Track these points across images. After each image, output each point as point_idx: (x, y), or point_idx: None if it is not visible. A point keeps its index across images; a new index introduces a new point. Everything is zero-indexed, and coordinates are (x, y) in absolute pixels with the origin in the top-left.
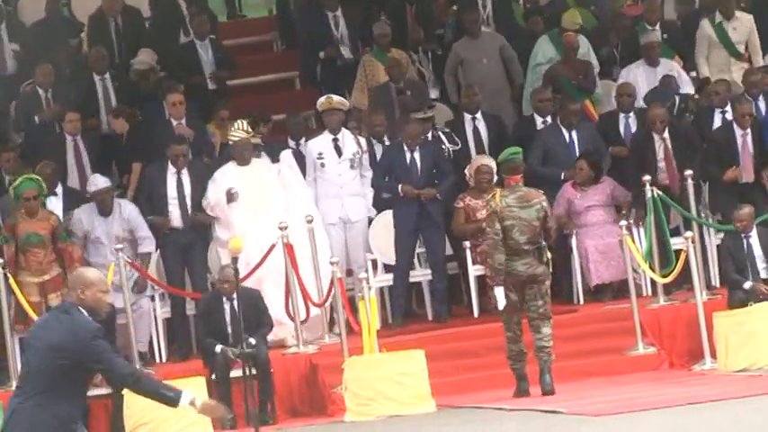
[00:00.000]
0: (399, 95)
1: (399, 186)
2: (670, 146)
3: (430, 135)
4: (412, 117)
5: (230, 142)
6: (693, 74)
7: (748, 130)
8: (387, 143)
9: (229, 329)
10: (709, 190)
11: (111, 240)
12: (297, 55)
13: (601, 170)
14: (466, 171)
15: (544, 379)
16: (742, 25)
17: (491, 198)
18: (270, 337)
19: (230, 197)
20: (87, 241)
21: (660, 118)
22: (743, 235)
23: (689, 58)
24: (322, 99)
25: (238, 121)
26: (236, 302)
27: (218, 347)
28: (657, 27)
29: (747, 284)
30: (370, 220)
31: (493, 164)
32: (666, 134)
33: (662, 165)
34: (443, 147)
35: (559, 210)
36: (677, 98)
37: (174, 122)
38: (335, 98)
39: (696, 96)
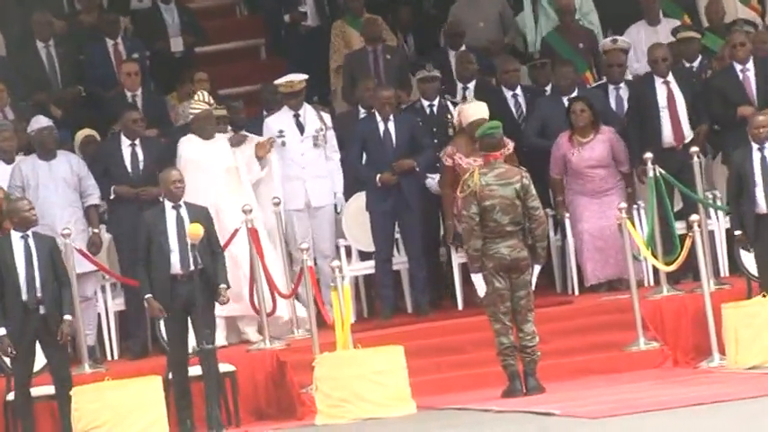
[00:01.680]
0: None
1: (377, 176)
2: (676, 91)
3: (437, 102)
4: (416, 77)
5: (190, 115)
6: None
7: (749, 64)
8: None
9: (175, 245)
10: (718, 140)
11: (58, 184)
12: (261, 20)
13: (599, 117)
14: (454, 116)
15: (528, 382)
16: None
17: (468, 177)
18: (223, 339)
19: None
20: (29, 189)
21: (662, 56)
22: (757, 147)
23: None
24: (281, 82)
25: (199, 92)
26: (183, 210)
27: (147, 296)
28: None
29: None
30: (338, 208)
31: (487, 113)
32: (671, 77)
33: (664, 114)
34: (448, 116)
35: (555, 171)
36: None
37: (129, 94)
38: (296, 79)
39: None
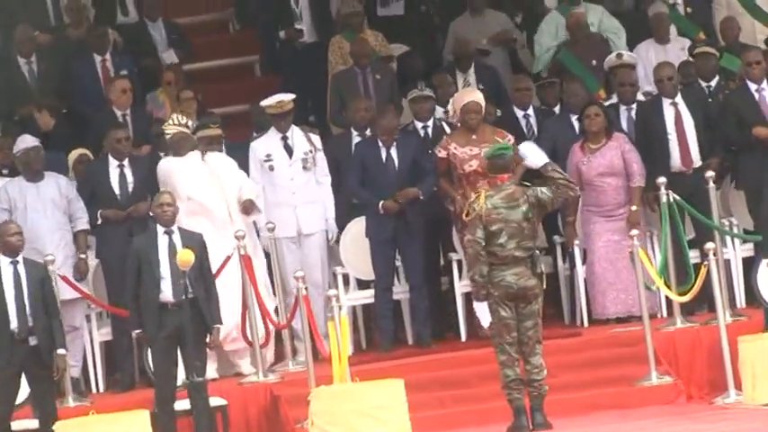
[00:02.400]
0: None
1: (380, 203)
2: (685, 113)
3: (431, 122)
4: (409, 97)
5: (166, 136)
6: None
7: (764, 84)
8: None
9: (166, 272)
10: (733, 162)
11: (47, 207)
12: (255, 36)
13: (613, 123)
14: (449, 108)
15: (535, 418)
16: None
17: (474, 200)
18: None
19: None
20: (17, 212)
21: (668, 75)
22: None
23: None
24: (271, 102)
25: (174, 116)
26: (176, 236)
27: (137, 331)
28: (680, 0)
29: None
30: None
31: (482, 99)
32: (680, 99)
33: (672, 137)
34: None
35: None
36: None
37: (119, 113)
38: (286, 99)
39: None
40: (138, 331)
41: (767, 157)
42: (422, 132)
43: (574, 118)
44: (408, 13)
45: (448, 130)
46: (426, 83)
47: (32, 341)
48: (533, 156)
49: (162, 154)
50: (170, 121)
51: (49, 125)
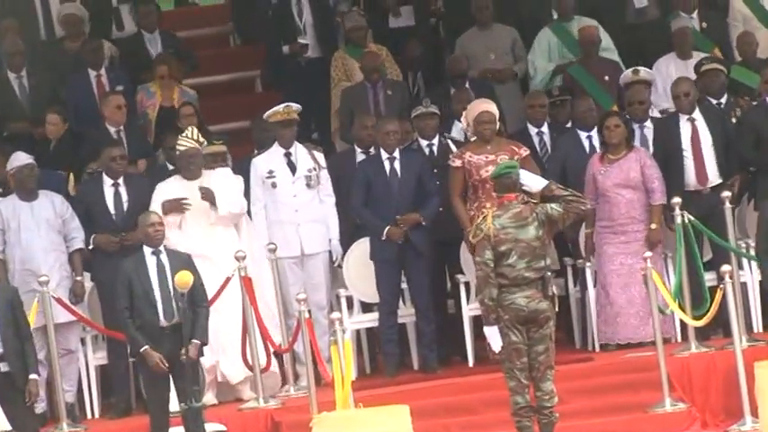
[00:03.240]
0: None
1: (386, 229)
2: (702, 130)
3: (436, 140)
4: (413, 114)
5: (177, 152)
6: None
7: None
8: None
9: (158, 295)
10: (751, 182)
11: (41, 226)
12: (256, 51)
13: (633, 135)
14: (462, 121)
15: None
16: None
17: (482, 221)
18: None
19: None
20: (10, 232)
21: (685, 90)
22: None
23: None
24: (279, 108)
25: (189, 128)
26: (164, 257)
27: (144, 347)
28: (695, 15)
29: None
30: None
31: (495, 110)
32: (698, 115)
33: (688, 155)
34: (450, 156)
35: (587, 195)
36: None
37: (112, 129)
38: (294, 107)
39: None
40: (145, 347)
41: None
42: (426, 150)
43: (584, 135)
44: (418, 26)
45: (454, 148)
46: (435, 98)
47: (4, 368)
48: (531, 181)
49: (169, 166)
50: (185, 134)
51: (60, 131)
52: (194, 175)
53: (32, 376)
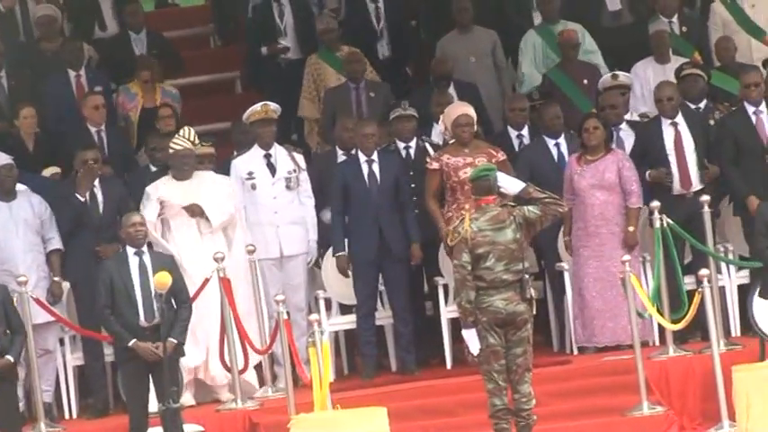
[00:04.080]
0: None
1: (339, 254)
2: (685, 134)
3: (414, 143)
4: (391, 117)
5: (170, 150)
6: None
7: (763, 106)
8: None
9: (139, 295)
10: (729, 186)
11: (19, 227)
12: (236, 52)
13: (612, 136)
14: (440, 124)
15: None
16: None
17: (459, 224)
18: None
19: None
20: None
21: (668, 95)
22: None
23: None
24: (256, 107)
25: (186, 128)
26: (146, 257)
27: (132, 341)
28: (675, 19)
29: None
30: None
31: (473, 113)
32: (680, 119)
33: (672, 159)
34: (427, 160)
35: (565, 195)
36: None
37: (93, 129)
38: (272, 105)
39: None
40: (133, 340)
41: (765, 182)
42: (403, 153)
43: (552, 143)
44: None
45: (431, 151)
46: (417, 101)
47: None
48: (508, 184)
49: (151, 167)
50: (181, 134)
51: (34, 126)
52: (186, 176)
53: (7, 356)
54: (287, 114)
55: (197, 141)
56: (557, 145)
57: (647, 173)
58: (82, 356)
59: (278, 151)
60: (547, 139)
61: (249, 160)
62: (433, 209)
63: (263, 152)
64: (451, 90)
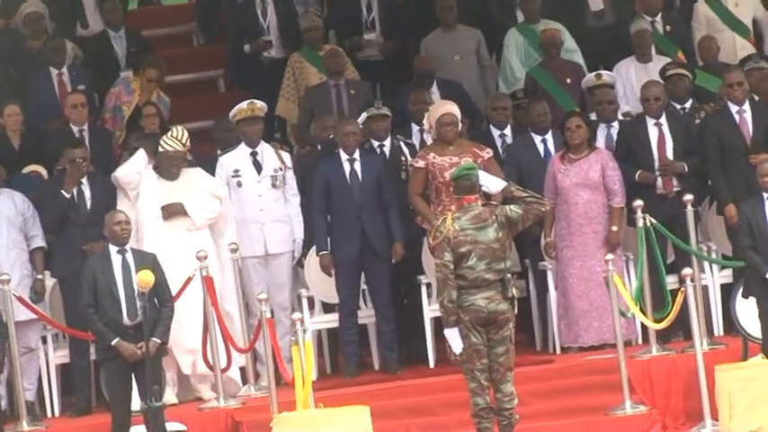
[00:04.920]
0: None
1: (320, 253)
2: (667, 135)
3: (388, 142)
4: (366, 116)
5: (160, 149)
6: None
7: (746, 106)
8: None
9: (122, 293)
10: (713, 185)
11: (1, 224)
12: (220, 50)
13: (596, 134)
14: (424, 123)
15: None
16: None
17: (441, 223)
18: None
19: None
20: None
21: (654, 95)
22: (766, 196)
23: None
24: (243, 105)
25: (178, 129)
26: (129, 255)
27: (115, 340)
28: (658, 18)
29: None
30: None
31: (458, 111)
32: (664, 119)
33: (655, 158)
34: (402, 159)
35: (547, 194)
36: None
37: (75, 129)
38: (258, 103)
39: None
40: (116, 339)
41: (748, 182)
42: (378, 151)
43: (538, 139)
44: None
45: (406, 150)
46: (391, 100)
47: None
48: (489, 183)
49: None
50: (173, 134)
51: (18, 123)
52: (174, 177)
53: None
54: (270, 113)
55: (188, 144)
56: (544, 141)
57: (637, 173)
58: (64, 354)
59: (264, 149)
60: (534, 135)
61: (235, 158)
62: (420, 204)
63: (250, 150)
64: (434, 88)
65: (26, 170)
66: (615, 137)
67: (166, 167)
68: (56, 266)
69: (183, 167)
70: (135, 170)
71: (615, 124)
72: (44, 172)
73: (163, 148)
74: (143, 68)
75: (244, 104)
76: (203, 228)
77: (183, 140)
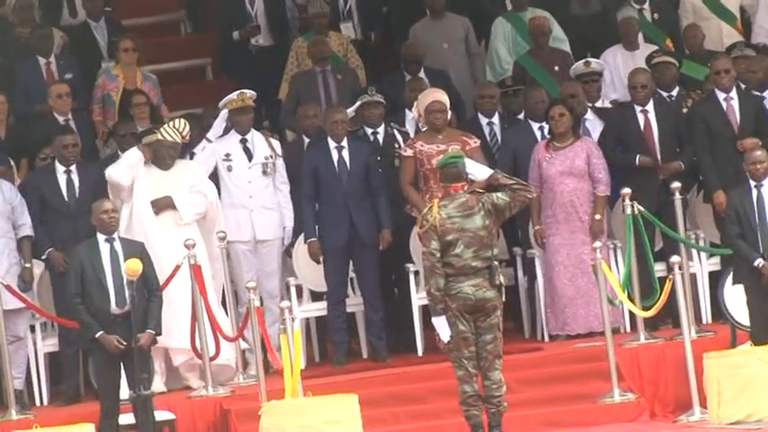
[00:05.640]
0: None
1: (310, 240)
2: (653, 123)
3: (381, 129)
4: (359, 103)
5: (158, 138)
6: None
7: (733, 93)
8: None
9: (110, 282)
10: (701, 174)
11: None
12: (207, 38)
13: (580, 122)
14: (413, 111)
15: None
16: None
17: (428, 211)
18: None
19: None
20: None
21: (642, 82)
22: (754, 184)
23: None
24: (233, 96)
25: (179, 120)
26: (117, 244)
27: (99, 333)
28: (646, 6)
29: (759, 261)
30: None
31: (446, 99)
32: (651, 106)
33: (646, 143)
34: (395, 146)
35: (532, 183)
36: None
37: (60, 119)
38: (248, 93)
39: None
40: (100, 332)
41: (736, 169)
42: (371, 138)
43: (536, 126)
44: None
45: (399, 138)
46: (385, 87)
47: None
48: (475, 170)
49: (119, 152)
50: (173, 124)
51: (4, 112)
52: (167, 167)
53: None
54: (258, 101)
55: (187, 137)
56: (541, 129)
57: (637, 157)
58: (53, 343)
59: (255, 137)
60: (531, 123)
61: (227, 143)
62: (411, 193)
63: (239, 137)
64: (422, 75)
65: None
66: (589, 130)
67: (161, 156)
68: (48, 258)
69: (177, 158)
70: (128, 172)
71: (588, 116)
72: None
73: (162, 136)
74: (117, 44)
75: (234, 95)
76: (192, 223)
77: (184, 133)
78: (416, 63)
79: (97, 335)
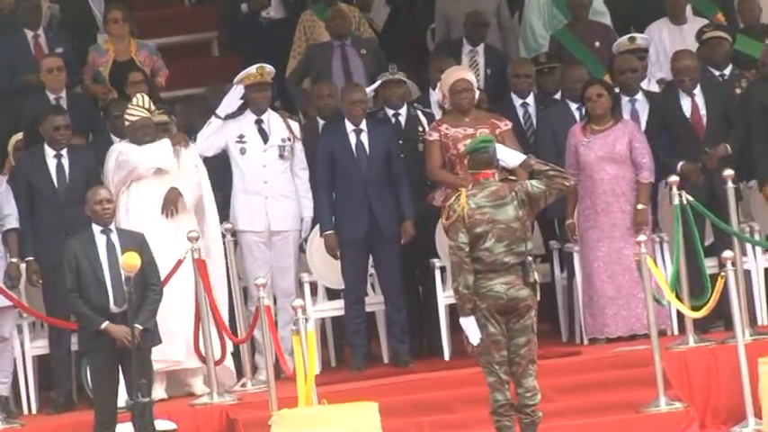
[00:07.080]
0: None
1: (326, 232)
2: (701, 106)
3: (404, 111)
4: (379, 81)
5: (126, 122)
6: None
7: None
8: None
9: (108, 277)
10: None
11: None
12: (213, 10)
13: (620, 103)
14: (437, 92)
15: None
16: None
17: (455, 200)
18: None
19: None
20: None
21: (686, 66)
22: None
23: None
24: (251, 70)
25: (138, 95)
26: (114, 236)
27: (105, 324)
28: None
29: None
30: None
31: (473, 77)
32: (698, 89)
33: (694, 130)
34: (419, 129)
35: (569, 162)
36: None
37: (51, 96)
38: (268, 68)
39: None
40: (106, 323)
41: None
42: (393, 120)
43: (575, 107)
44: None
45: (424, 120)
46: (409, 65)
47: None
48: (507, 156)
49: (117, 139)
50: (133, 102)
51: None
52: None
53: None
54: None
55: (152, 108)
56: (580, 109)
57: (679, 165)
58: (42, 345)
59: (271, 117)
60: (570, 102)
61: (241, 123)
62: (444, 176)
63: (255, 117)
64: (481, 49)
65: (14, 138)
66: (639, 111)
67: (138, 138)
68: (37, 250)
69: (155, 135)
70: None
71: (639, 96)
72: None
73: (128, 120)
74: (106, 15)
75: (252, 69)
76: (191, 210)
77: (147, 106)
78: (481, 31)
79: (102, 326)
